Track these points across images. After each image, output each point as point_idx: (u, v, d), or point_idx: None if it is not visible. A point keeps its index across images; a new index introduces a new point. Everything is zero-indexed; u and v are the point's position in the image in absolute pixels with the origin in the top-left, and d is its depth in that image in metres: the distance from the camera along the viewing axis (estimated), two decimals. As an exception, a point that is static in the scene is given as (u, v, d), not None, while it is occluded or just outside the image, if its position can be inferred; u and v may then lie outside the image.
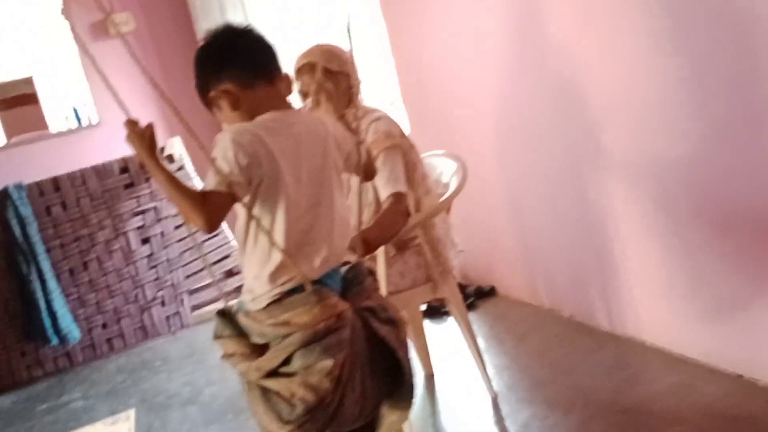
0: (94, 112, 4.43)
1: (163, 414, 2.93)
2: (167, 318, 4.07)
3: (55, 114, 4.47)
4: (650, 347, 2.41)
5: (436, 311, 3.25)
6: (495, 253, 3.34)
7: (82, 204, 3.94)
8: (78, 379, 3.73)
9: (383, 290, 2.01)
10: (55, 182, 3.91)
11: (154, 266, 4.05)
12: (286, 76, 1.52)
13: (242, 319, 1.44)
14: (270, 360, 1.36)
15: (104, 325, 4.00)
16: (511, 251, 3.19)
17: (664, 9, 1.99)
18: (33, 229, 3.83)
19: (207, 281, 4.11)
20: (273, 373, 1.37)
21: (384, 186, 2.11)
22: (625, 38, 2.15)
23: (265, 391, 1.39)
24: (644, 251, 2.34)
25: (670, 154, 2.10)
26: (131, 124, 1.44)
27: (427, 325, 2.85)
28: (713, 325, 2.15)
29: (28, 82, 4.28)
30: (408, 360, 1.46)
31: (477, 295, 3.35)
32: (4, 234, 3.82)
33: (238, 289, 4.32)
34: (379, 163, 2.10)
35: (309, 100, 2.18)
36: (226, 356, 1.44)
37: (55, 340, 3.83)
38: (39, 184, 3.89)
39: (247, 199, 1.37)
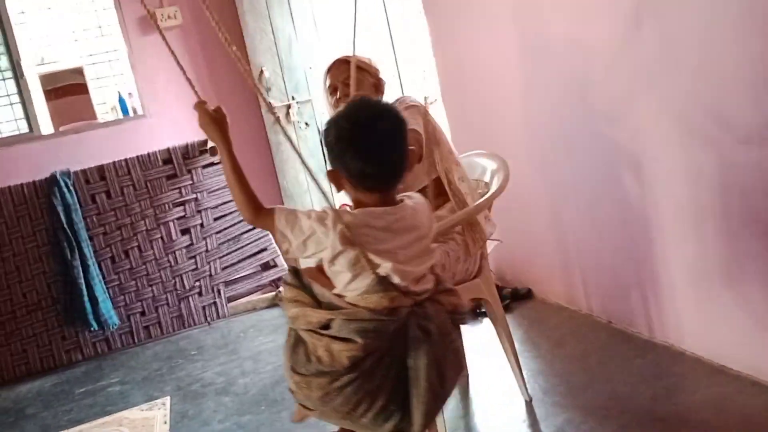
0: (139, 104, 4.51)
1: (197, 402, 2.97)
2: (204, 308, 4.13)
3: (103, 104, 4.56)
4: (690, 357, 2.37)
5: (471, 312, 3.23)
6: (533, 255, 3.32)
7: (125, 193, 4.02)
8: (115, 365, 3.80)
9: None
10: (101, 171, 3.99)
11: (193, 256, 4.11)
12: (408, 152, 1.51)
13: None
14: (318, 316, 1.44)
15: (142, 313, 4.07)
16: (550, 254, 3.16)
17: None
18: (78, 216, 3.92)
19: (244, 273, 4.16)
20: (312, 329, 1.45)
21: None
22: (676, 43, 2.12)
23: (299, 339, 1.48)
24: (689, 259, 2.30)
25: (724, 158, 2.06)
26: (201, 105, 1.52)
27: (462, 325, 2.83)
28: (757, 336, 2.10)
29: (79, 72, 4.37)
30: (431, 384, 1.42)
31: (513, 298, 3.33)
32: (50, 219, 3.91)
33: (273, 282, 4.37)
34: None
35: (338, 93, 2.30)
36: (285, 299, 1.53)
37: (94, 326, 3.92)
38: (85, 172, 3.98)
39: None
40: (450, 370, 1.47)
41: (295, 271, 1.54)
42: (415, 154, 1.98)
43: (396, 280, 1.44)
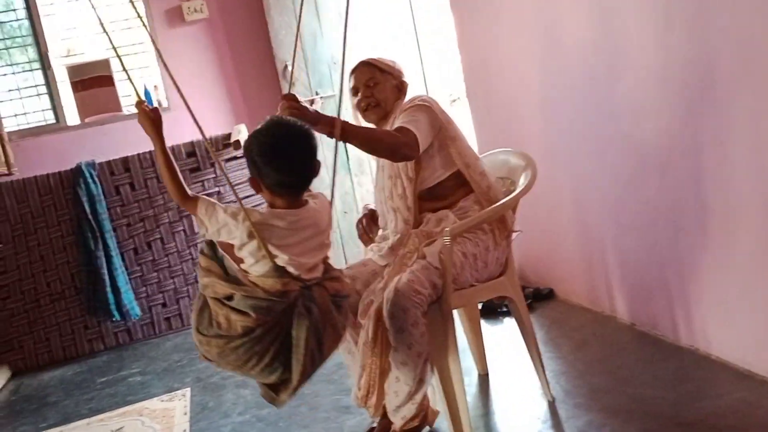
0: (164, 97, 4.54)
1: (217, 394, 2.98)
2: (224, 301, 4.14)
3: (128, 96, 4.59)
4: (716, 361, 2.34)
5: (492, 311, 3.22)
6: (555, 255, 3.29)
7: (149, 185, 4.05)
8: (136, 355, 3.83)
9: (448, 279, 2.03)
10: (125, 162, 4.03)
11: (215, 250, 4.12)
12: (317, 165, 1.77)
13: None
14: (223, 289, 1.70)
15: (164, 304, 4.10)
16: (573, 255, 3.14)
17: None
18: (102, 207, 3.96)
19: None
20: (217, 298, 1.72)
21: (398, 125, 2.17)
22: (705, 42, 2.08)
23: (205, 304, 1.75)
24: (716, 260, 2.27)
25: (753, 159, 2.02)
26: (140, 105, 1.78)
27: (483, 324, 2.82)
28: (786, 342, 2.07)
29: (105, 64, 4.40)
30: (309, 350, 1.71)
31: (535, 298, 3.31)
32: (75, 209, 3.95)
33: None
34: (402, 116, 2.21)
35: (360, 95, 2.34)
36: (200, 267, 1.76)
37: (117, 316, 3.96)
38: (110, 164, 4.02)
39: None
40: (327, 340, 1.77)
41: (211, 244, 1.76)
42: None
43: (291, 269, 1.72)
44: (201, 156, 4.07)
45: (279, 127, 1.74)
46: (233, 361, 1.73)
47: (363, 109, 2.33)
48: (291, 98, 1.99)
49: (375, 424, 2.31)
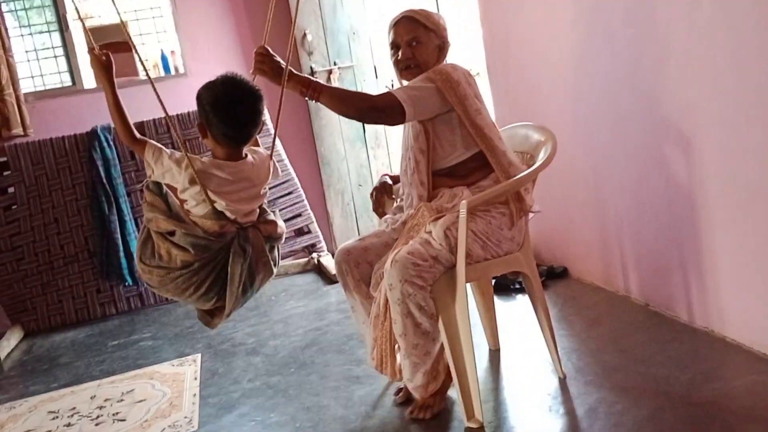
0: (181, 63, 4.51)
1: (228, 360, 3.00)
2: (236, 270, 4.15)
3: (145, 61, 4.57)
4: (731, 343, 2.31)
5: (506, 287, 3.20)
6: (571, 233, 3.26)
7: (164, 151, 4.04)
8: (148, 320, 3.85)
9: (461, 253, 2.00)
10: (141, 128, 4.01)
11: (228, 218, 4.12)
12: (261, 124, 1.93)
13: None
14: (166, 224, 1.86)
15: (176, 271, 4.11)
16: (589, 233, 3.11)
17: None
18: (116, 171, 3.96)
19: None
20: (160, 232, 1.87)
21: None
22: (735, 21, 2.03)
23: (149, 237, 1.90)
24: (735, 242, 2.24)
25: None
26: (92, 52, 1.90)
27: (496, 300, 2.80)
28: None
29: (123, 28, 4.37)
30: (243, 284, 1.90)
31: (548, 276, 3.29)
32: (89, 173, 3.96)
33: (306, 248, 4.34)
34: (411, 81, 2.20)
35: (400, 54, 2.23)
36: (145, 202, 1.90)
37: (129, 281, 3.98)
38: (125, 128, 4.00)
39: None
40: (260, 275, 1.95)
41: (157, 182, 1.89)
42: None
43: (228, 214, 1.88)
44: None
45: (232, 84, 1.86)
46: (172, 289, 1.90)
47: (402, 68, 2.24)
48: (262, 52, 2.01)
49: (402, 385, 2.30)
